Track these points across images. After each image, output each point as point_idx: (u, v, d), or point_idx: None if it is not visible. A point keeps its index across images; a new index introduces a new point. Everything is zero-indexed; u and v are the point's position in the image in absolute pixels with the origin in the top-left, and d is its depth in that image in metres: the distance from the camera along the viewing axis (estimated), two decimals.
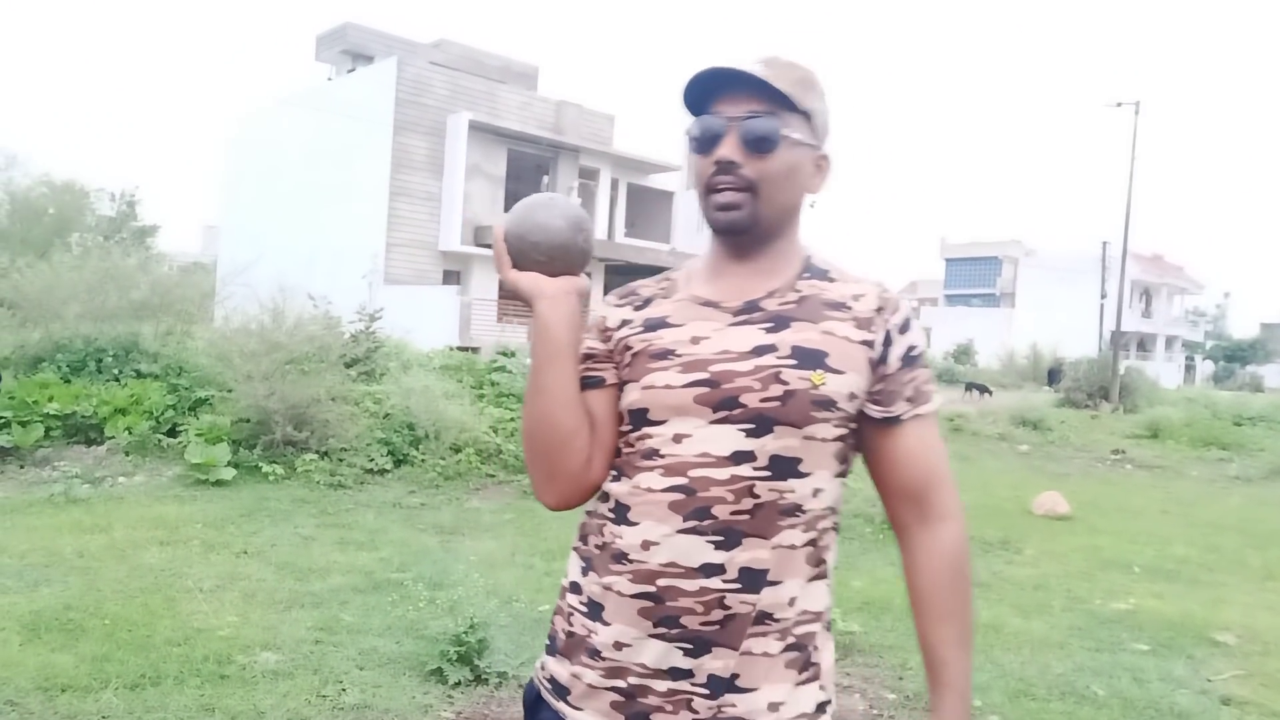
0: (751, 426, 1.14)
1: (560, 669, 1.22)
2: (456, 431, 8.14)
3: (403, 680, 3.46)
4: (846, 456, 1.22)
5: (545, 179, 25.36)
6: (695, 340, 1.19)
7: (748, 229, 1.21)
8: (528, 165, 25.03)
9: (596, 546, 1.21)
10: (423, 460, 7.85)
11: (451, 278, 23.62)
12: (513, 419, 9.02)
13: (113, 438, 7.41)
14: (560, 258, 1.24)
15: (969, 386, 22.72)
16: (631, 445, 1.20)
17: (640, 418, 1.20)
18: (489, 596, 4.33)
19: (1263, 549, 7.32)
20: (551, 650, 1.25)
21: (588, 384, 1.26)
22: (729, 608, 1.12)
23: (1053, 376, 26.09)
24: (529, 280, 1.25)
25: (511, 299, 23.97)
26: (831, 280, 1.24)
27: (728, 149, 1.18)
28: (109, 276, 9.15)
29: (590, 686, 1.17)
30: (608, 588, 1.17)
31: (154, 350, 8.73)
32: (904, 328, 1.22)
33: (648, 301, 1.29)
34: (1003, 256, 58.95)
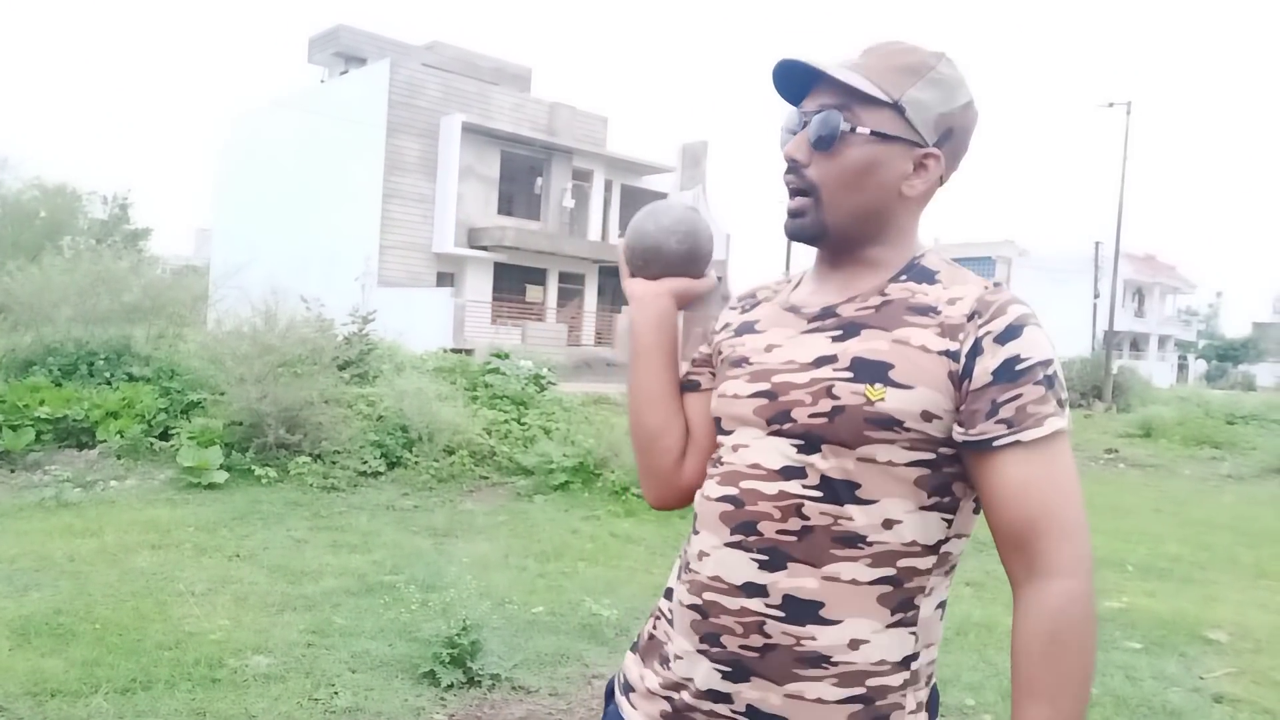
0: (801, 443, 1.05)
1: (634, 667, 1.21)
2: (450, 434, 8.12)
3: (395, 683, 3.45)
4: (944, 489, 1.05)
5: (539, 181, 25.38)
6: (769, 349, 1.13)
7: (815, 238, 1.12)
8: (521, 167, 25.04)
9: (682, 554, 1.19)
10: (416, 463, 7.83)
11: (445, 280, 23.61)
12: (506, 421, 9.01)
13: (104, 441, 7.38)
14: (654, 261, 1.25)
15: None
16: (714, 453, 1.17)
17: (718, 425, 1.17)
18: (482, 599, 4.32)
19: (1255, 547, 7.34)
20: (634, 648, 1.24)
21: (687, 387, 1.27)
22: (769, 636, 1.04)
23: None
24: (628, 284, 1.28)
25: (503, 301, 24.03)
26: (935, 283, 1.08)
27: (792, 146, 1.11)
28: (101, 279, 9.11)
29: (649, 691, 1.16)
30: (678, 597, 1.15)
31: (146, 353, 8.70)
32: (1006, 336, 1.01)
33: (755, 305, 1.23)
34: (996, 257, 59.01)
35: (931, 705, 1.11)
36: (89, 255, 10.01)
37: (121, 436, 7.37)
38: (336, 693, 3.33)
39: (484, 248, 23.52)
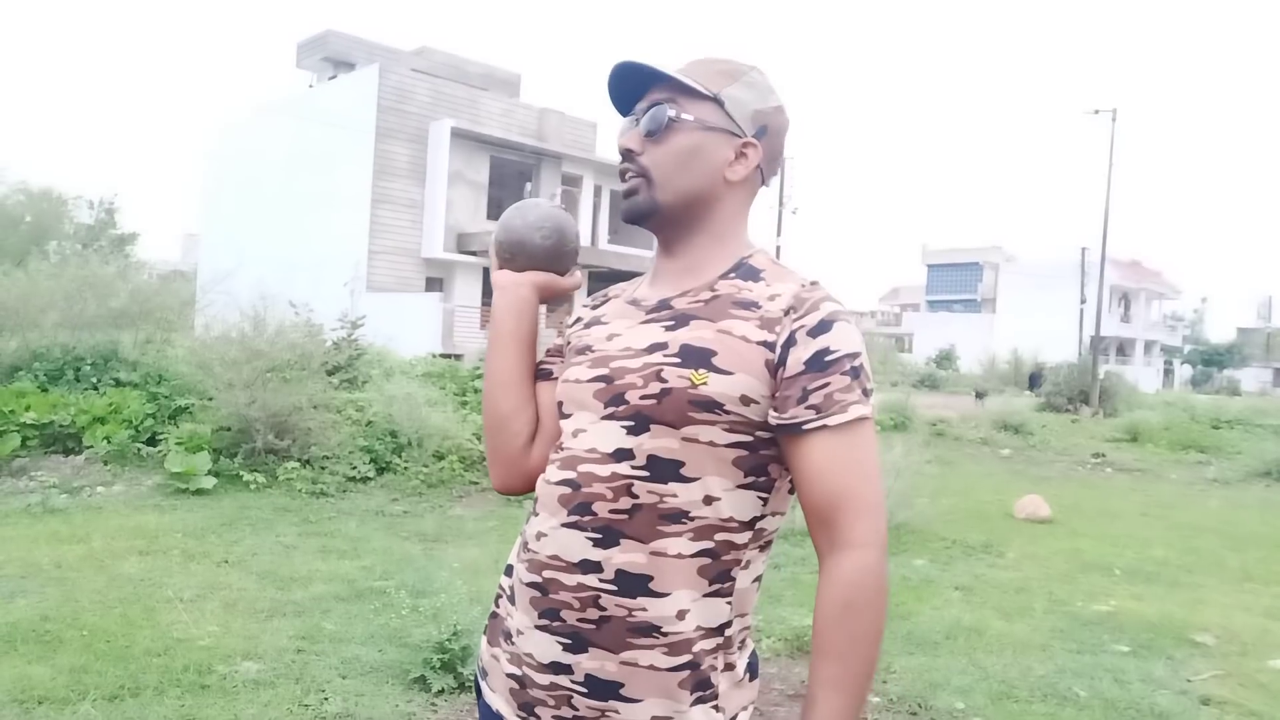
0: (632, 424, 1.12)
1: (485, 650, 1.27)
2: (439, 439, 8.10)
3: (385, 688, 3.44)
4: (760, 469, 1.13)
5: (528, 186, 25.36)
6: (610, 338, 1.21)
7: (646, 215, 1.22)
8: (510, 172, 25.03)
9: (522, 534, 1.25)
10: (405, 468, 7.81)
11: (434, 285, 23.57)
12: None
13: (91, 447, 7.33)
14: (521, 254, 1.32)
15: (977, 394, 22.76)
16: (557, 439, 1.24)
17: (560, 410, 1.24)
18: (472, 604, 4.30)
19: (1240, 550, 7.39)
20: (485, 631, 1.30)
21: (540, 375, 1.34)
22: (604, 609, 1.10)
23: (1034, 381, 26.31)
24: (495, 275, 1.35)
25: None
26: (759, 281, 1.18)
27: (627, 138, 1.22)
28: (87, 284, 9.06)
29: (502, 672, 1.21)
30: (517, 575, 1.21)
31: (133, 359, 8.65)
32: (818, 330, 1.10)
33: (606, 302, 1.33)
34: (984, 262, 59.40)
35: (752, 667, 1.19)
36: (75, 260, 9.99)
37: (108, 442, 7.33)
38: (326, 699, 3.31)
39: (473, 253, 23.49)
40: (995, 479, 11.42)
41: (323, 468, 7.43)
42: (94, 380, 8.20)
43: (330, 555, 5.41)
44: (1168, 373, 56.50)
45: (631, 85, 1.23)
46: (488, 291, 24.08)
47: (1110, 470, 13.43)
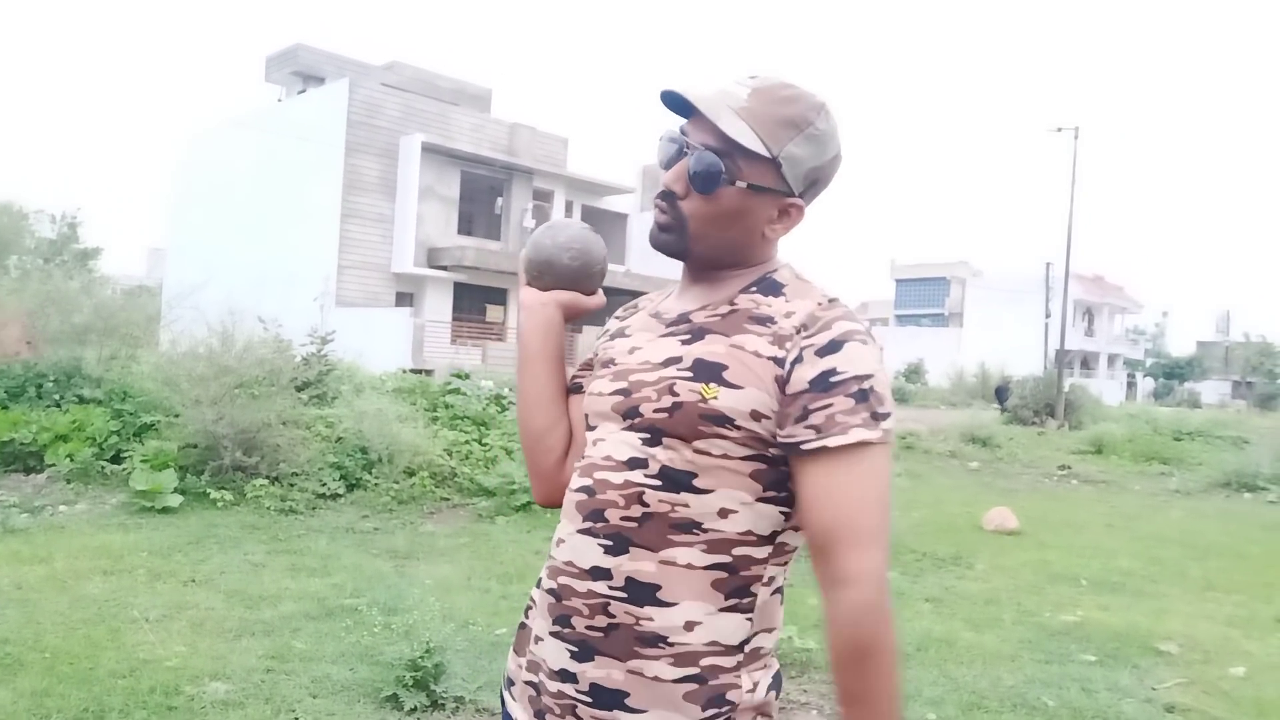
0: (647, 435, 1.13)
1: (511, 661, 1.28)
2: (410, 455, 8.04)
3: (357, 707, 3.41)
4: (781, 484, 1.10)
5: (499, 201, 25.34)
6: (631, 351, 1.22)
7: (676, 256, 1.20)
8: (481, 187, 25.00)
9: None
10: (376, 484, 7.74)
11: (404, 300, 23.44)
12: (467, 441, 8.96)
13: (53, 465, 7.20)
14: (547, 273, 1.34)
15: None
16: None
17: (587, 422, 1.25)
18: (445, 621, 4.27)
19: (1202, 560, 7.53)
20: (513, 644, 1.30)
21: (572, 389, 1.35)
22: (613, 616, 1.10)
23: (1000, 394, 26.61)
24: (521, 294, 1.37)
25: (463, 321, 23.89)
26: (779, 296, 1.15)
27: (672, 177, 1.16)
28: (50, 300, 8.92)
29: (522, 681, 1.22)
30: (542, 582, 1.22)
31: (97, 375, 8.50)
32: (826, 350, 1.07)
33: (634, 314, 1.33)
34: (951, 277, 60.12)
35: (775, 683, 1.17)
36: (37, 275, 9.81)
37: (71, 460, 7.20)
38: (297, 718, 3.28)
39: (444, 268, 23.41)
40: (964, 491, 11.54)
41: (292, 485, 7.35)
42: (56, 397, 8.05)
43: (300, 573, 5.35)
44: (1130, 385, 57.43)
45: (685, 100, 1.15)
46: (458, 306, 24.03)
47: (1076, 482, 13.62)
